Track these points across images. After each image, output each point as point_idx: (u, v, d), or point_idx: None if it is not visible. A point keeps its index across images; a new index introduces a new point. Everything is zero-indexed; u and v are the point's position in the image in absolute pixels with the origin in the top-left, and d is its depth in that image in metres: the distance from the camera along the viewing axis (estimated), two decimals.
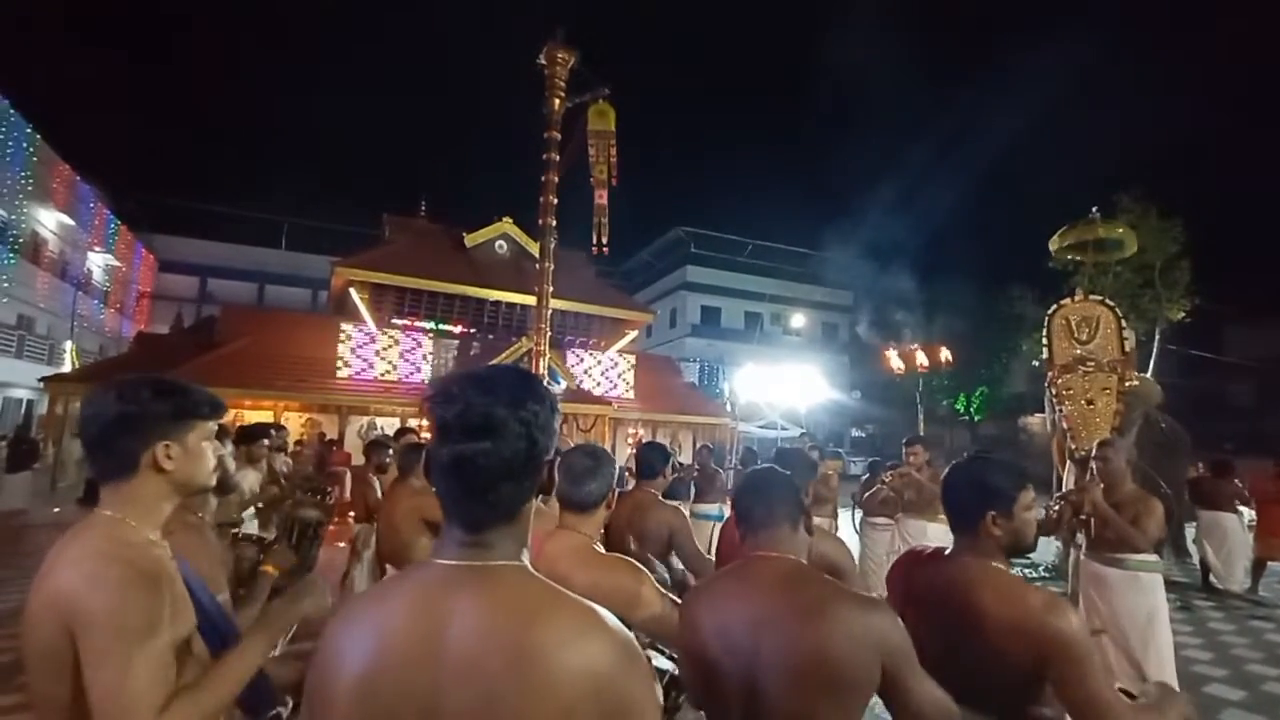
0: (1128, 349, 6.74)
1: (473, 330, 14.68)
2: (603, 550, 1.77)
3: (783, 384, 17.30)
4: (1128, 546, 3.46)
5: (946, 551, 1.57)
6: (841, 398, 23.31)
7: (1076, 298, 7.04)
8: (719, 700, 1.25)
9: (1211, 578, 7.10)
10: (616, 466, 1.81)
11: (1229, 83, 51.05)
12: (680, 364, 22.09)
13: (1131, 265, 12.49)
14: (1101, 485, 3.63)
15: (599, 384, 15.47)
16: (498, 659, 0.71)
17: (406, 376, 13.36)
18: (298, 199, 46.67)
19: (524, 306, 14.05)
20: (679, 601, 1.58)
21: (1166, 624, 3.50)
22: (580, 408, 13.37)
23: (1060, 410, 6.80)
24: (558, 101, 7.70)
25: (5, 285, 17.88)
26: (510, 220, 15.90)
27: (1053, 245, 8.78)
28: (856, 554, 3.49)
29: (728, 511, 3.12)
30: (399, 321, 13.90)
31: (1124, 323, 6.84)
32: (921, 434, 8.21)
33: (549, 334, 7.96)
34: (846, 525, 6.30)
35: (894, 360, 11.42)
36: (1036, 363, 8.47)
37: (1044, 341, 6.99)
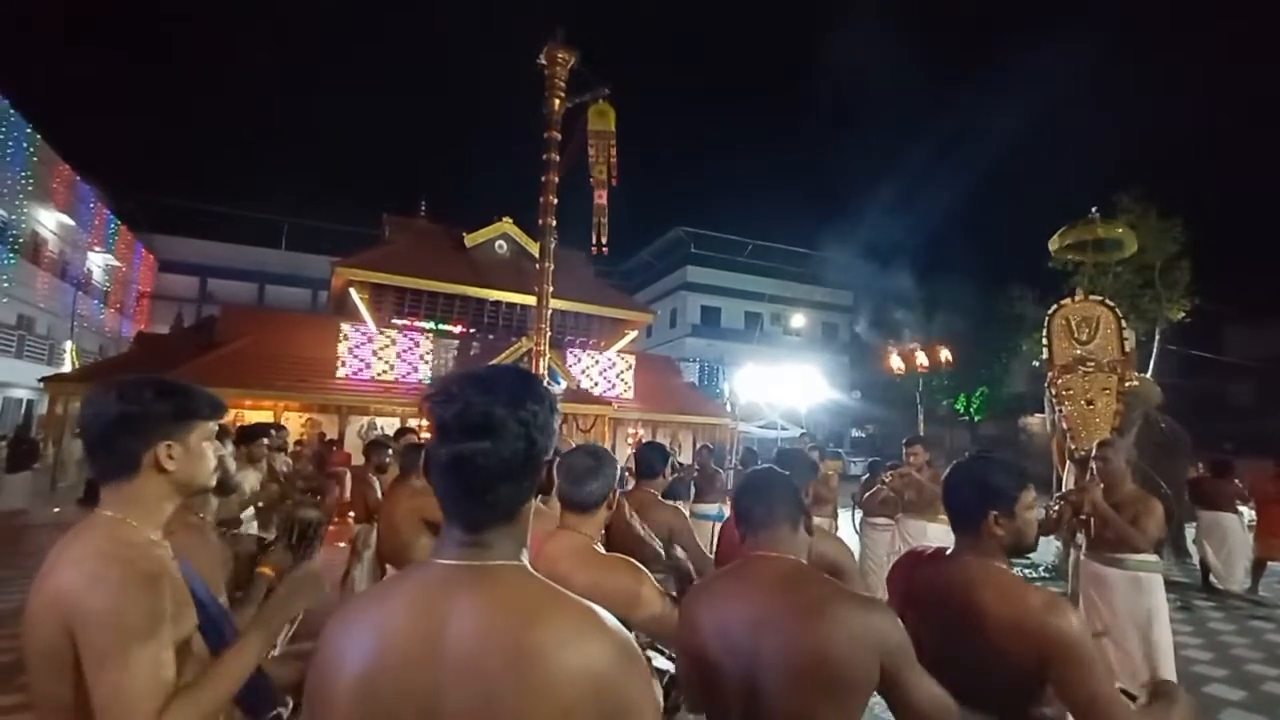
0: (1128, 349, 6.75)
1: (473, 330, 14.68)
2: (603, 551, 1.77)
3: (783, 384, 17.27)
4: (1128, 547, 3.46)
5: (947, 552, 1.57)
6: (841, 398, 23.30)
7: (1076, 298, 7.05)
8: (719, 700, 1.25)
9: (1211, 578, 7.10)
10: (618, 467, 1.81)
11: (1229, 83, 51.09)
12: (680, 364, 22.11)
13: (1131, 265, 12.46)
14: (1101, 485, 3.63)
15: (599, 384, 15.45)
16: (497, 659, 0.71)
17: (406, 376, 13.35)
18: (298, 199, 46.79)
19: (524, 306, 14.07)
20: (678, 599, 1.58)
21: (1166, 624, 3.50)
22: (580, 408, 13.36)
23: (1060, 410, 6.80)
24: (558, 101, 7.69)
25: (5, 285, 17.88)
26: (510, 220, 15.94)
27: (1052, 245, 8.79)
28: (856, 554, 3.48)
29: (728, 511, 3.12)
30: (399, 321, 13.90)
31: (1124, 323, 6.85)
32: (921, 434, 8.21)
33: (549, 334, 7.94)
34: (846, 525, 6.29)
35: (894, 360, 11.41)
36: (1036, 363, 8.46)
37: (1044, 341, 7.00)
